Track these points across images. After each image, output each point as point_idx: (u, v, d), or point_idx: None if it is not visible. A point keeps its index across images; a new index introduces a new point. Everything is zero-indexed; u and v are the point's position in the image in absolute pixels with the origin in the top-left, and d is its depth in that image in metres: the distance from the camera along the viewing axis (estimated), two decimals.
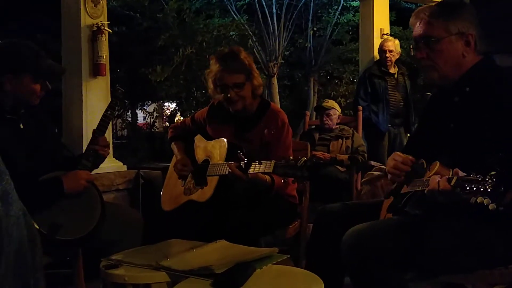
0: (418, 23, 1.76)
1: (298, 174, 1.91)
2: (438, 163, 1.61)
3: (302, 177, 1.92)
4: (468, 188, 1.35)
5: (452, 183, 1.41)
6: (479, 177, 1.35)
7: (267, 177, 2.17)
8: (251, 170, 2.05)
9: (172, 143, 2.65)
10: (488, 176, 1.34)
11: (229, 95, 2.31)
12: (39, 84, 2.06)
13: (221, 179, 2.25)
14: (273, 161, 1.98)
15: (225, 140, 2.36)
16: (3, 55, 2.04)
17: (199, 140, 2.57)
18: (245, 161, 2.07)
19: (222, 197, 2.26)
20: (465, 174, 1.41)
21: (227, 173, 2.15)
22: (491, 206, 1.32)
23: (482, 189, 1.33)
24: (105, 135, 2.22)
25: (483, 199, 1.33)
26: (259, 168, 2.03)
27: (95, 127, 2.19)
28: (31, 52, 2.05)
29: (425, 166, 1.70)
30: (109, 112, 2.20)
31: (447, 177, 1.45)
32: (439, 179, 1.47)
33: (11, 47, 2.07)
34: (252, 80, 2.35)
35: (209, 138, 2.52)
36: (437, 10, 1.73)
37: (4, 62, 2.03)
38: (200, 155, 2.49)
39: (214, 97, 2.50)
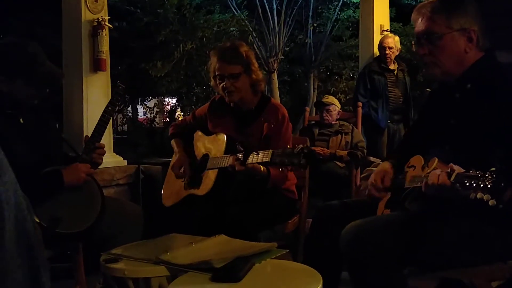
0: (420, 19, 1.75)
1: (295, 162, 1.90)
2: (436, 159, 1.61)
3: (299, 164, 1.90)
4: (467, 184, 1.34)
5: (451, 179, 1.40)
6: (479, 173, 1.34)
7: (263, 168, 2.18)
8: (250, 161, 2.07)
9: (172, 140, 2.67)
10: (488, 172, 1.32)
11: (224, 85, 2.36)
12: (33, 88, 2.06)
13: (221, 172, 2.27)
14: (271, 150, 1.98)
15: (224, 135, 2.39)
16: None
17: (198, 135, 2.59)
18: (243, 152, 2.10)
19: (222, 190, 2.28)
20: (463, 170, 1.41)
21: (227, 165, 2.17)
22: (491, 202, 1.30)
23: (482, 185, 1.31)
24: (106, 130, 2.22)
25: (483, 195, 1.32)
26: (257, 158, 2.04)
27: (95, 122, 2.18)
28: (27, 57, 2.04)
29: (423, 163, 1.70)
30: (109, 107, 2.20)
31: (447, 172, 1.45)
32: (439, 174, 1.47)
33: (6, 50, 2.06)
34: (251, 74, 2.39)
35: (209, 133, 2.53)
36: (439, 6, 1.72)
37: None
38: (199, 150, 2.51)
39: (215, 89, 2.55)
